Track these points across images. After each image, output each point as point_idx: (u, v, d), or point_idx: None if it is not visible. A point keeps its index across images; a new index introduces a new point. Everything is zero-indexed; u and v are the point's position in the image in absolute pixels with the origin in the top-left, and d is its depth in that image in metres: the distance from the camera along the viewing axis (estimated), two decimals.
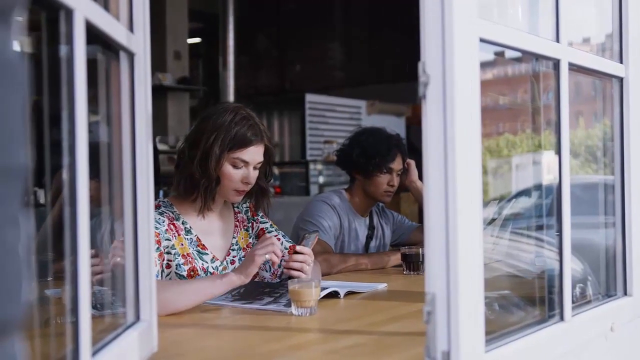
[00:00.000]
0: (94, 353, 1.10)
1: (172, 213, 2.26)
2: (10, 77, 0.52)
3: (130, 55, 1.36)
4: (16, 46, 0.57)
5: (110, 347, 1.20)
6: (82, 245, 1.03)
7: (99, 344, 1.17)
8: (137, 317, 1.39)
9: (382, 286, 2.39)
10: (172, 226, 2.22)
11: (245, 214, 2.47)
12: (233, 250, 2.38)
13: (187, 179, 2.24)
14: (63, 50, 1.03)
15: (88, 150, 1.04)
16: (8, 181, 0.53)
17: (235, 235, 2.40)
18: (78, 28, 1.02)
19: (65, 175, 1.03)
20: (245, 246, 2.41)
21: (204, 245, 2.28)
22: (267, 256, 2.02)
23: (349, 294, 2.22)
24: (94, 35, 1.13)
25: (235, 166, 2.24)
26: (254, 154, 2.26)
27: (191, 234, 2.26)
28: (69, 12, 1.01)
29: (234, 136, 2.20)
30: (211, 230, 2.33)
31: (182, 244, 2.22)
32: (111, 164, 1.37)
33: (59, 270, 1.24)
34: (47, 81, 1.04)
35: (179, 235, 2.23)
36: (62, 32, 1.02)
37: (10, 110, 0.52)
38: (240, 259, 2.36)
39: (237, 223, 2.42)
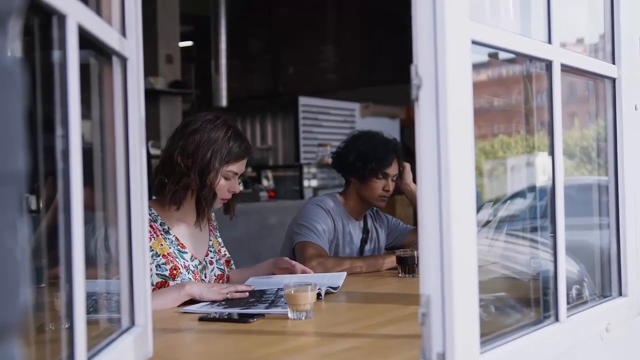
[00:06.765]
0: (89, 358, 1.10)
1: (150, 215, 2.30)
2: (8, 83, 0.52)
3: (123, 60, 1.36)
4: (13, 52, 0.57)
5: (106, 352, 1.20)
6: (77, 251, 1.03)
7: (94, 349, 1.17)
8: (132, 322, 1.39)
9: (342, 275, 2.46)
10: (149, 228, 2.26)
11: (214, 221, 2.59)
12: (210, 251, 2.48)
13: (182, 190, 2.30)
14: (56, 55, 1.02)
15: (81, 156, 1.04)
16: (7, 186, 0.54)
17: (210, 238, 2.51)
18: (71, 33, 1.02)
19: (58, 180, 1.02)
20: (217, 250, 2.53)
21: (182, 244, 2.36)
22: (228, 295, 2.16)
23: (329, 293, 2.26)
24: (86, 40, 1.12)
25: (226, 178, 2.35)
26: (243, 165, 2.40)
27: (170, 234, 2.34)
28: (62, 18, 1.01)
29: (229, 151, 2.32)
30: (189, 234, 2.41)
31: (161, 245, 2.29)
32: (104, 169, 1.37)
33: (54, 277, 1.24)
34: (40, 86, 1.04)
35: (157, 236, 2.30)
36: (55, 37, 1.01)
37: (9, 116, 0.52)
38: (217, 260, 2.49)
39: (212, 228, 2.54)
